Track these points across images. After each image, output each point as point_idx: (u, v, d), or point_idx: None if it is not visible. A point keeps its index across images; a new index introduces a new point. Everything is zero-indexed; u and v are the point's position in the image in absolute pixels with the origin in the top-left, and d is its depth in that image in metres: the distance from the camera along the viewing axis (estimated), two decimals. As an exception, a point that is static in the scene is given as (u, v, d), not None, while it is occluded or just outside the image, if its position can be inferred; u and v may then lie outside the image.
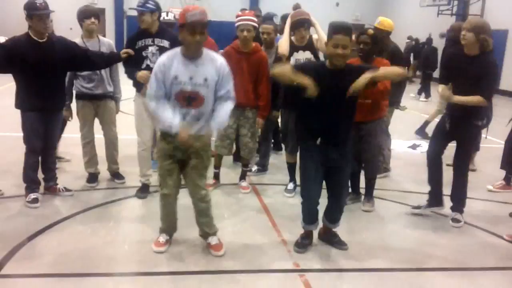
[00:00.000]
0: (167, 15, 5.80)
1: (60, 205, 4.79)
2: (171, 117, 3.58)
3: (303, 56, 5.13)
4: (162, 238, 4.02)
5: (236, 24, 5.09)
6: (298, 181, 5.47)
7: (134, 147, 5.20)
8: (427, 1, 20.39)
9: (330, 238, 4.25)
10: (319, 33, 5.10)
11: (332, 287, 3.60)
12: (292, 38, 5.20)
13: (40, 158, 4.85)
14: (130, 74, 4.89)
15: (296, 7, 5.29)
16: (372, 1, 25.31)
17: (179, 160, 3.80)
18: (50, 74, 4.55)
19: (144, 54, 4.90)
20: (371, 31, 4.73)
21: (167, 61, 3.58)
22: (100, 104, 5.25)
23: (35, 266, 3.63)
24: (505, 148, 6.01)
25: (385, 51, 5.29)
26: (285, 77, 3.81)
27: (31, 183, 4.79)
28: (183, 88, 3.57)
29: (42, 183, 4.98)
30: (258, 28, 5.32)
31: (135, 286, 3.46)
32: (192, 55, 3.59)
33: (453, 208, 4.94)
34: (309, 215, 4.08)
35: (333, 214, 4.15)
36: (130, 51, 4.80)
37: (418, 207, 5.09)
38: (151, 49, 4.90)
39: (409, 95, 13.38)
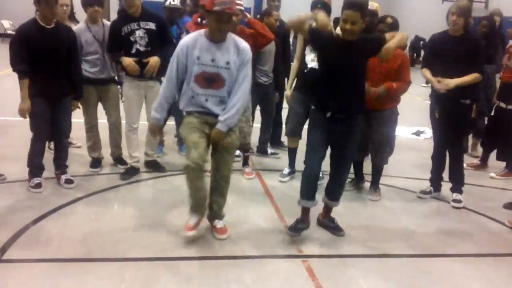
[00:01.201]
0: (173, 0, 5.75)
1: (64, 190, 4.78)
2: (161, 110, 3.84)
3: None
4: (192, 220, 3.90)
5: None
6: (297, 168, 5.52)
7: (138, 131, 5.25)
8: (432, -13, 20.24)
9: (328, 223, 4.24)
10: None
11: (335, 273, 3.60)
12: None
13: (52, 145, 4.87)
14: (114, 58, 5.00)
15: None
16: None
17: (207, 135, 3.79)
18: (55, 61, 4.54)
19: (132, 39, 4.91)
20: (390, 20, 4.67)
21: (191, 42, 3.64)
22: (103, 88, 5.23)
23: (38, 250, 3.64)
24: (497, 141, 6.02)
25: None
26: (296, 21, 3.82)
27: (35, 169, 4.78)
28: (205, 69, 3.63)
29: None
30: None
31: (139, 271, 3.46)
32: (216, 39, 3.64)
33: (452, 189, 5.04)
34: (307, 189, 4.03)
35: (334, 190, 4.14)
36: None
37: (426, 192, 5.13)
38: (138, 33, 4.92)
39: (421, 84, 13.49)
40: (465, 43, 4.66)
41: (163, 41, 5.05)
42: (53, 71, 4.55)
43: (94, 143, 5.39)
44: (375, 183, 5.10)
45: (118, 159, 5.54)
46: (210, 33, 3.64)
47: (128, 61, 4.85)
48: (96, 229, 4.02)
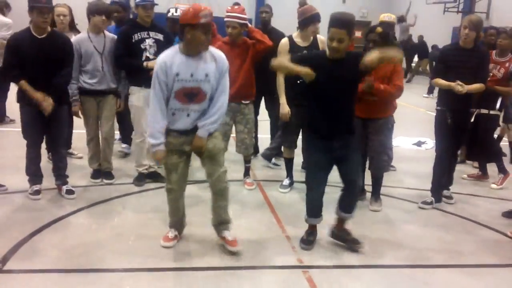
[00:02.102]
0: (176, 11, 5.80)
1: (65, 201, 4.79)
2: (160, 136, 3.68)
3: None
4: (171, 233, 4.02)
5: (224, 20, 5.06)
6: (295, 177, 5.55)
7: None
8: (433, -2, 20.29)
9: (344, 236, 4.16)
10: None
11: (336, 283, 3.58)
12: (296, 39, 5.13)
13: (48, 154, 4.89)
14: (130, 66, 5.09)
15: (303, 2, 5.23)
16: (377, -4, 25.21)
17: (188, 153, 3.83)
18: (46, 71, 4.52)
19: (142, 46, 5.05)
20: (379, 29, 4.70)
21: (168, 60, 3.58)
22: (102, 99, 5.22)
23: (39, 261, 3.64)
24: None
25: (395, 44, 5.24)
26: (282, 68, 3.87)
27: (33, 176, 4.81)
28: (185, 85, 3.59)
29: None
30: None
31: (139, 281, 3.46)
32: (195, 53, 3.61)
33: (445, 188, 5.34)
34: (312, 208, 4.06)
35: (349, 203, 4.09)
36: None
37: (428, 203, 5.16)
38: (148, 41, 5.07)
39: (422, 95, 13.60)
40: (475, 55, 4.84)
41: None
42: (44, 80, 4.50)
43: (94, 155, 5.39)
44: (375, 193, 5.09)
45: (105, 173, 5.45)
46: (188, 48, 3.60)
47: (151, 62, 4.89)
48: (97, 240, 4.02)
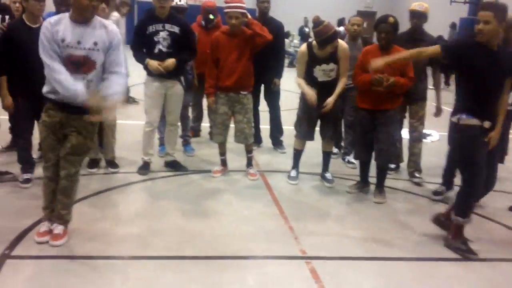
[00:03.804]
0: (180, 1, 5.80)
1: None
2: (74, 84, 3.43)
3: (328, 68, 5.00)
4: (45, 226, 3.81)
5: (225, 11, 5.00)
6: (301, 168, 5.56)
7: (139, 133, 5.29)
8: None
9: (459, 246, 4.04)
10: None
11: (339, 275, 3.60)
12: (315, 49, 4.99)
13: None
14: (140, 59, 5.07)
15: (317, 20, 5.12)
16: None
17: (62, 137, 3.65)
18: (39, 60, 4.51)
19: (155, 39, 5.03)
20: (392, 19, 4.67)
21: (54, 22, 3.41)
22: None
23: (45, 248, 3.67)
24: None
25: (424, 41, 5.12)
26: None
27: (25, 164, 4.87)
28: (71, 52, 3.42)
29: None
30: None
31: (143, 270, 3.49)
32: (81, 19, 3.44)
33: None
34: None
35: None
36: None
37: (439, 193, 5.20)
38: (162, 34, 5.03)
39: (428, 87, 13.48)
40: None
41: (185, 45, 5.17)
42: (36, 70, 4.29)
43: None
44: (379, 185, 5.09)
45: (110, 162, 5.48)
46: (76, 13, 3.43)
47: (151, 62, 4.95)
48: (102, 227, 4.05)
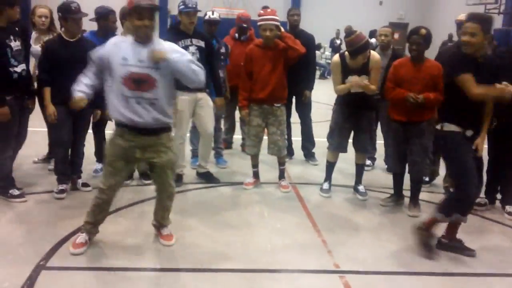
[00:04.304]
0: (212, 14, 5.86)
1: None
2: (82, 85, 3.70)
3: (359, 79, 4.95)
4: (82, 238, 3.88)
5: (258, 24, 5.03)
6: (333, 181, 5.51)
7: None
8: (474, -1, 19.88)
9: (456, 245, 4.16)
10: None
11: (373, 289, 3.54)
12: (347, 60, 4.95)
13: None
14: None
15: (349, 30, 5.12)
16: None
17: (135, 161, 3.80)
18: (77, 71, 4.62)
19: None
20: (424, 31, 4.61)
21: (117, 42, 3.61)
22: None
23: (80, 259, 3.71)
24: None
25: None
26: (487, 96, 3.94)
27: (61, 175, 4.98)
28: (132, 70, 3.52)
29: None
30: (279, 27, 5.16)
31: (177, 282, 3.49)
32: (143, 39, 3.57)
33: (504, 202, 5.12)
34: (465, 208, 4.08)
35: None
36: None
37: (482, 205, 5.11)
38: (191, 48, 5.11)
39: None
40: None
41: (209, 58, 5.28)
42: (74, 80, 4.60)
43: None
44: (414, 197, 4.99)
45: (143, 174, 5.52)
46: (135, 35, 3.59)
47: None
48: (135, 239, 4.08)
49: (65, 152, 4.97)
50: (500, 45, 5.59)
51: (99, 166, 5.67)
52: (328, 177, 5.46)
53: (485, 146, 5.05)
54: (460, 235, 4.45)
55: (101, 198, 3.80)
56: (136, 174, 5.56)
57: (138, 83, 3.54)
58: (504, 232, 4.69)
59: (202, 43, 5.18)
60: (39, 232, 4.12)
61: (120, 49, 3.55)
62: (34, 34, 5.39)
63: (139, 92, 3.55)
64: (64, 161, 4.99)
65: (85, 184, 5.15)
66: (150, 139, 3.70)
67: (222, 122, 6.62)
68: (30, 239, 4.00)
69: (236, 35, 6.37)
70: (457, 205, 4.03)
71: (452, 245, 4.15)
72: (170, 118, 3.79)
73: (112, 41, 3.67)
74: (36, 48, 5.18)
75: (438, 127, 4.02)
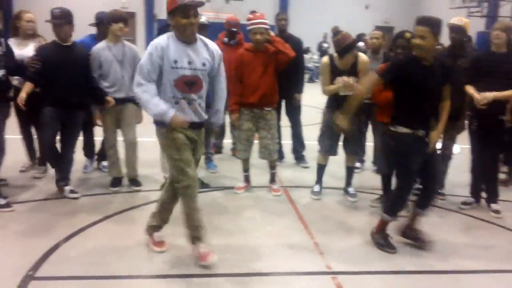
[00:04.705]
0: (200, 18, 5.85)
1: (93, 208, 4.84)
2: (164, 104, 3.50)
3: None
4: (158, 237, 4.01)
5: (249, 28, 5.04)
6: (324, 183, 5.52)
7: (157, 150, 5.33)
8: (457, 3, 20.07)
9: (413, 235, 4.27)
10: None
11: (366, 290, 3.55)
12: (336, 61, 5.02)
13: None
14: None
15: (336, 30, 5.16)
16: (401, 3, 25.02)
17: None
18: (68, 75, 4.84)
19: None
20: (408, 34, 4.66)
21: (164, 44, 3.50)
22: (122, 108, 5.26)
23: (69, 268, 3.67)
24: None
25: (465, 57, 5.09)
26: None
27: (59, 179, 5.11)
28: (184, 73, 3.52)
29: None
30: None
31: (171, 287, 3.48)
32: (187, 39, 3.54)
33: (489, 200, 5.20)
34: (399, 208, 4.14)
35: (428, 199, 4.22)
36: (112, 101, 5.07)
37: (468, 203, 5.23)
38: None
39: None
40: (508, 60, 4.75)
41: None
42: (64, 82, 4.82)
43: (113, 163, 5.43)
44: None
45: (132, 180, 5.51)
46: (179, 33, 3.52)
47: None
48: (126, 247, 4.05)
49: (52, 152, 5.02)
50: (480, 48, 5.68)
51: (88, 162, 5.72)
52: (319, 180, 5.48)
53: (468, 146, 5.15)
54: (447, 233, 4.54)
55: (188, 193, 3.68)
56: (125, 181, 5.54)
57: (189, 85, 3.57)
58: (490, 230, 4.75)
59: None
60: (27, 242, 4.08)
61: (169, 52, 3.49)
62: (15, 40, 5.40)
63: (190, 94, 3.58)
64: (55, 162, 5.05)
65: (72, 191, 5.09)
66: (193, 133, 3.69)
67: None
68: (18, 249, 3.97)
69: (226, 39, 6.38)
70: (398, 203, 4.10)
71: (409, 234, 4.28)
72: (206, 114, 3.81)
73: (157, 44, 3.51)
74: (20, 52, 5.19)
75: (392, 128, 4.04)
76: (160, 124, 3.61)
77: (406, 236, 4.28)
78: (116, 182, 5.45)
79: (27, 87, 4.76)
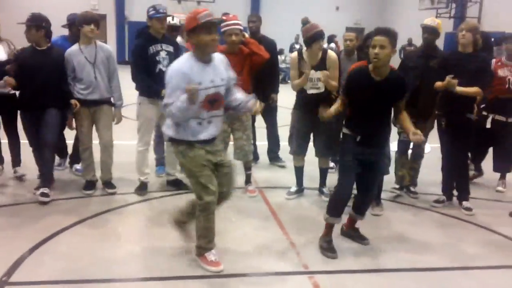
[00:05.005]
0: (172, 19, 5.85)
1: (67, 212, 4.78)
2: (179, 100, 3.45)
3: (315, 76, 5.01)
4: (213, 256, 3.80)
5: (223, 29, 5.03)
6: (304, 184, 5.56)
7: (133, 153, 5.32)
8: (426, 4, 20.45)
9: (353, 234, 4.38)
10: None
11: (342, 288, 3.59)
12: (305, 55, 5.09)
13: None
14: (145, 81, 5.14)
15: (305, 20, 5.22)
16: (372, 5, 25.37)
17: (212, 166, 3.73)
18: (44, 78, 4.96)
19: (157, 58, 5.12)
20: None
21: (186, 69, 3.49)
22: (96, 109, 5.22)
23: (44, 273, 3.63)
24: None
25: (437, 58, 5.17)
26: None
27: (43, 179, 5.12)
28: (207, 92, 3.55)
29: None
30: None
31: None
32: (207, 57, 3.58)
33: (461, 198, 5.30)
34: (338, 208, 4.11)
35: (363, 206, 4.29)
36: (75, 104, 5.04)
37: (440, 202, 5.34)
38: (162, 54, 5.14)
39: None
40: (474, 60, 4.86)
41: None
42: (40, 85, 4.96)
43: (88, 165, 5.37)
44: (377, 197, 5.08)
45: (107, 183, 5.46)
46: (201, 52, 3.54)
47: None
48: (101, 250, 4.02)
49: (38, 154, 5.19)
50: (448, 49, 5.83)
51: (61, 160, 6.00)
52: (297, 181, 5.52)
53: (437, 144, 5.26)
54: (421, 231, 4.63)
55: (210, 209, 3.67)
56: (99, 183, 5.49)
57: (212, 103, 3.59)
58: (462, 227, 4.85)
59: (171, 48, 5.21)
60: (0, 247, 4.01)
61: (193, 76, 3.47)
62: None
63: (213, 112, 3.62)
64: (41, 163, 5.17)
65: (44, 194, 4.97)
66: (214, 145, 3.75)
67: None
68: (-9, 254, 3.90)
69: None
70: (337, 202, 4.13)
71: (349, 233, 4.40)
72: None
73: (178, 69, 3.50)
74: None
75: (344, 130, 4.11)
76: (177, 141, 3.66)
77: (345, 236, 4.41)
78: (90, 185, 5.38)
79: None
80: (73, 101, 5.02)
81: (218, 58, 3.70)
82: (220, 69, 3.65)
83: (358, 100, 3.96)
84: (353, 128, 4.03)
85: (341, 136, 4.17)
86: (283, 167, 6.57)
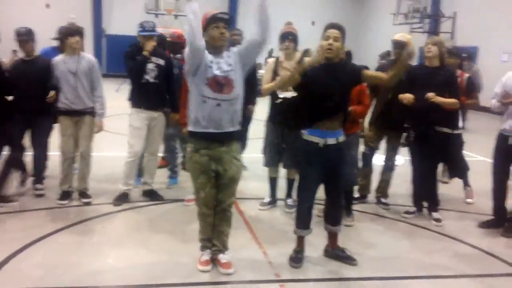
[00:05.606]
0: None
1: (43, 221, 4.83)
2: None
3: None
4: (206, 255, 4.06)
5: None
6: (278, 196, 5.65)
7: (112, 165, 5.35)
8: (400, 19, 20.86)
9: (339, 254, 4.32)
10: None
11: (312, 296, 3.70)
12: (281, 60, 5.24)
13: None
14: (135, 62, 5.30)
15: (288, 24, 5.49)
16: (347, 20, 25.60)
17: (214, 173, 3.83)
18: (31, 86, 5.23)
19: (144, 69, 5.28)
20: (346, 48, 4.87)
21: (203, 46, 3.62)
22: (77, 120, 5.30)
23: (21, 281, 3.67)
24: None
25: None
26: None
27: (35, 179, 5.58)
28: (216, 72, 3.66)
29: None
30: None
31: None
32: (216, 50, 3.72)
33: (430, 209, 5.45)
34: (305, 220, 4.16)
35: (335, 214, 4.27)
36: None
37: (410, 213, 5.48)
38: (150, 66, 5.28)
39: None
40: (441, 73, 5.04)
41: (169, 77, 5.50)
42: (27, 91, 5.25)
43: (66, 176, 5.41)
44: (347, 208, 5.16)
45: (82, 193, 5.49)
46: (210, 46, 3.69)
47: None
48: (77, 259, 4.07)
49: (20, 151, 5.50)
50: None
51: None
52: (270, 192, 5.62)
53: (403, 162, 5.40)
54: (391, 241, 4.74)
55: (200, 211, 3.97)
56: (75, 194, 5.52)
57: (221, 85, 3.68)
58: (432, 237, 5.01)
59: (161, 61, 5.36)
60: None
61: (206, 54, 3.67)
62: None
63: (222, 95, 3.69)
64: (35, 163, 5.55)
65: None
66: (222, 150, 3.79)
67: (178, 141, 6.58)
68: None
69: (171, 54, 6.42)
70: (300, 211, 4.20)
71: (334, 253, 4.34)
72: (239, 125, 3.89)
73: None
74: None
75: (304, 136, 4.12)
76: (192, 136, 3.81)
77: (332, 257, 4.33)
78: (66, 195, 5.41)
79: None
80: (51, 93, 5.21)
81: (229, 49, 3.84)
82: (230, 59, 3.77)
83: (315, 93, 3.97)
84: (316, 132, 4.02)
85: (304, 144, 4.13)
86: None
